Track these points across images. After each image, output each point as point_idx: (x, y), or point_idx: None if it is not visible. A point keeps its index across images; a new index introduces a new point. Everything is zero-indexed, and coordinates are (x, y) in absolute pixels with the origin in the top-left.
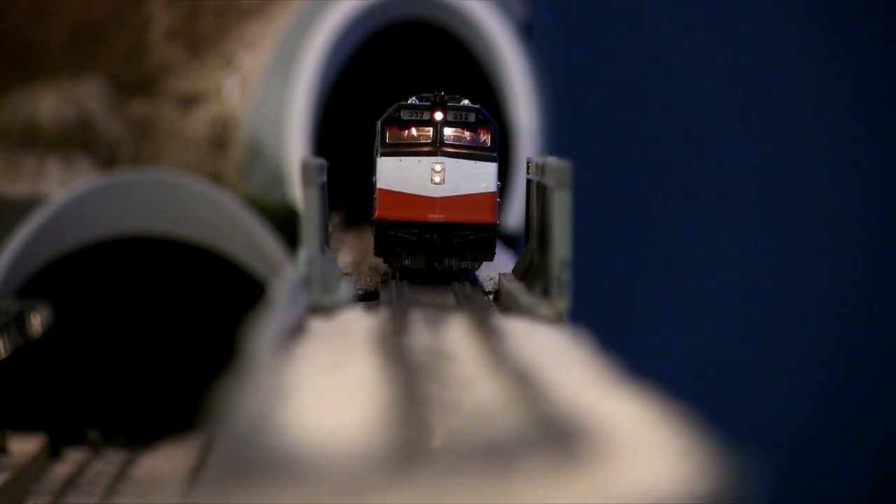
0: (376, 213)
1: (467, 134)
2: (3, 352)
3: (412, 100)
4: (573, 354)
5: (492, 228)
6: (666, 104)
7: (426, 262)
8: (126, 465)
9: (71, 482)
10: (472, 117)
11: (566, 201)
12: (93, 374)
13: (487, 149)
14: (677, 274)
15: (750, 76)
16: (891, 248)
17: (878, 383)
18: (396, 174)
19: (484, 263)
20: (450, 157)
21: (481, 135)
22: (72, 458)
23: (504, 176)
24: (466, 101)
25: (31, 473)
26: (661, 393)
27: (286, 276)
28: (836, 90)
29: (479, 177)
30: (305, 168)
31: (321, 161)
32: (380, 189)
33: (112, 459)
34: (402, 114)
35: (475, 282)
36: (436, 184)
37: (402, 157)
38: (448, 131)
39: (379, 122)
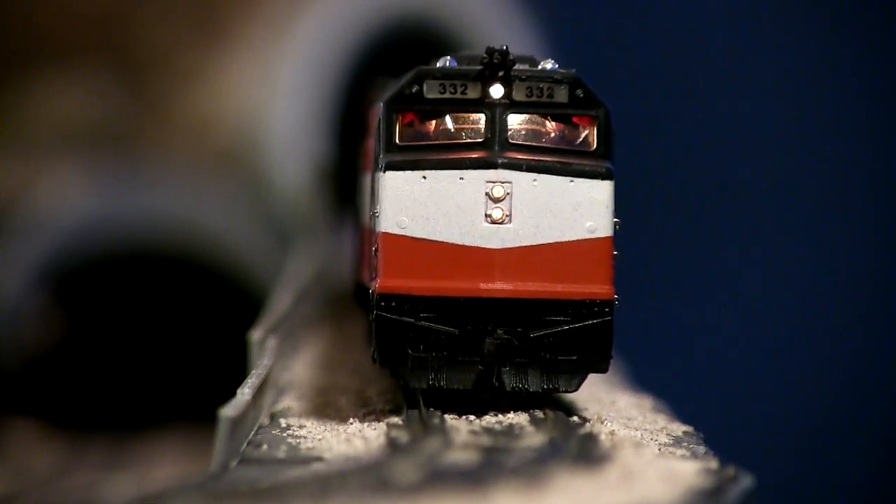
0: (378, 282)
1: (552, 125)
2: None
3: (445, 61)
4: None
5: (606, 309)
6: (685, 109)
7: (476, 377)
8: (123, 450)
9: (69, 465)
10: (561, 93)
11: None
12: (96, 368)
13: (592, 153)
14: (687, 278)
15: (771, 85)
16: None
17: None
18: (417, 205)
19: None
20: (521, 169)
21: (580, 127)
22: (71, 444)
23: None
24: (550, 64)
25: (30, 457)
26: (669, 395)
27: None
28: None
29: (579, 208)
30: (315, 169)
31: (331, 160)
32: (384, 234)
33: (108, 444)
34: (425, 89)
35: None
36: (494, 222)
37: (427, 172)
38: (516, 120)
39: (381, 105)
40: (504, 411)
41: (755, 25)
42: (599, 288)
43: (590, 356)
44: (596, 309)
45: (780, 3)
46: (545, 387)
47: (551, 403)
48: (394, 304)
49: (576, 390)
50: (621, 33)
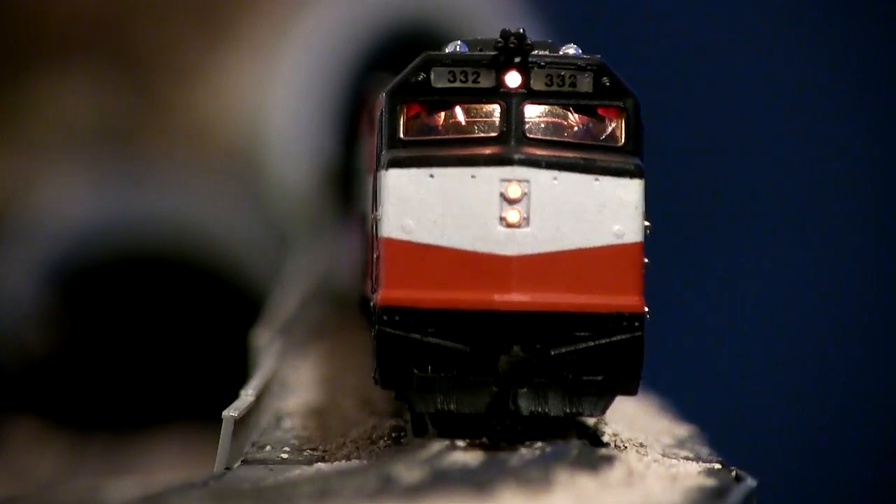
0: (380, 294)
1: (575, 117)
2: None
3: (455, 46)
4: None
5: (635, 324)
6: (690, 108)
7: (490, 400)
8: (125, 450)
9: (71, 466)
10: (584, 81)
11: None
12: (98, 369)
13: (620, 149)
14: (691, 280)
15: (778, 88)
16: None
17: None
18: (424, 207)
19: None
20: (540, 166)
21: (606, 119)
22: (73, 445)
23: None
24: (572, 48)
25: (32, 457)
26: (673, 396)
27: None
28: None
29: (605, 210)
30: (319, 171)
31: (335, 161)
32: (387, 240)
33: (110, 445)
34: (433, 77)
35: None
36: (510, 225)
37: (434, 170)
38: (534, 112)
39: (384, 96)
40: (521, 444)
41: (766, 25)
42: (628, 300)
43: (617, 376)
44: (624, 323)
45: (788, 4)
46: (567, 410)
47: (574, 429)
48: (398, 318)
49: (602, 414)
50: (626, 36)
